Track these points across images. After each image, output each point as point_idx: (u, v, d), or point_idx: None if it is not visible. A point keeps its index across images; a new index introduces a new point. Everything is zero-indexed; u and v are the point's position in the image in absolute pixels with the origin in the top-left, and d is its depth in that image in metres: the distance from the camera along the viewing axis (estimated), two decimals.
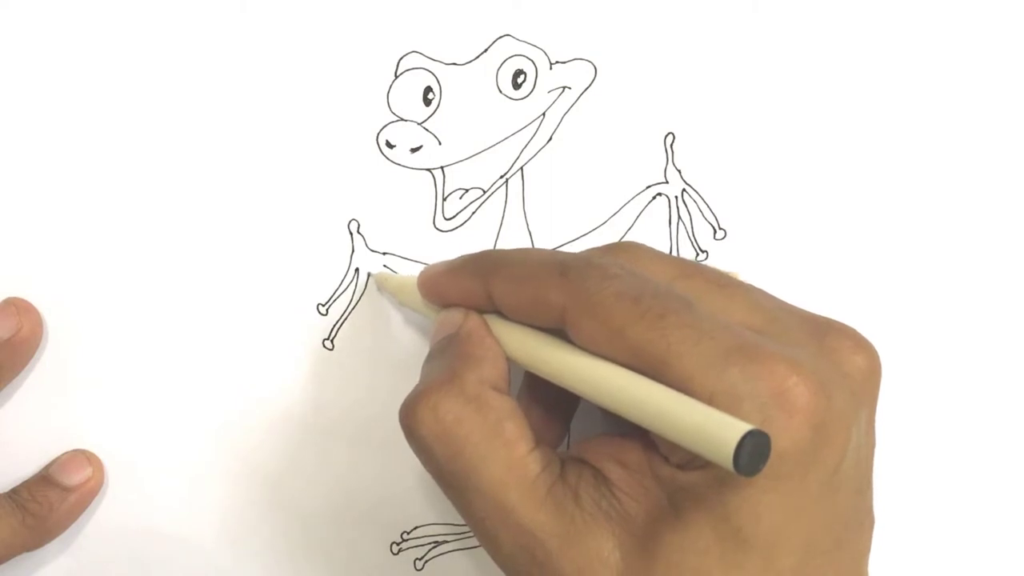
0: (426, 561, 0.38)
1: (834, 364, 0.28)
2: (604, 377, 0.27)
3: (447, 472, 0.28)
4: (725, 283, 0.29)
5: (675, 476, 0.27)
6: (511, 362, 0.30)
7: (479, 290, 0.30)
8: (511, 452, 0.28)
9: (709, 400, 0.25)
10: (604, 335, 0.27)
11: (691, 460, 0.26)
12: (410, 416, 0.29)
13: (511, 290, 0.29)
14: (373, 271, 0.35)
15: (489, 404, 0.28)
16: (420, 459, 0.29)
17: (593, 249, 0.31)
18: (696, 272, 0.30)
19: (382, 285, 0.35)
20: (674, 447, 0.27)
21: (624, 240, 0.36)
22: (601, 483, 0.28)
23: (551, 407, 0.33)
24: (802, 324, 0.29)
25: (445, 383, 0.29)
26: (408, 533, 0.37)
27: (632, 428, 0.28)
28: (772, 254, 0.38)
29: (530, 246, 0.36)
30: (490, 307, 0.31)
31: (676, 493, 0.27)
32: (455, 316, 0.31)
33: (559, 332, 0.29)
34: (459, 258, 0.32)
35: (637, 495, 0.27)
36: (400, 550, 0.37)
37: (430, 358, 0.31)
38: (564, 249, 0.36)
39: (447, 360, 0.30)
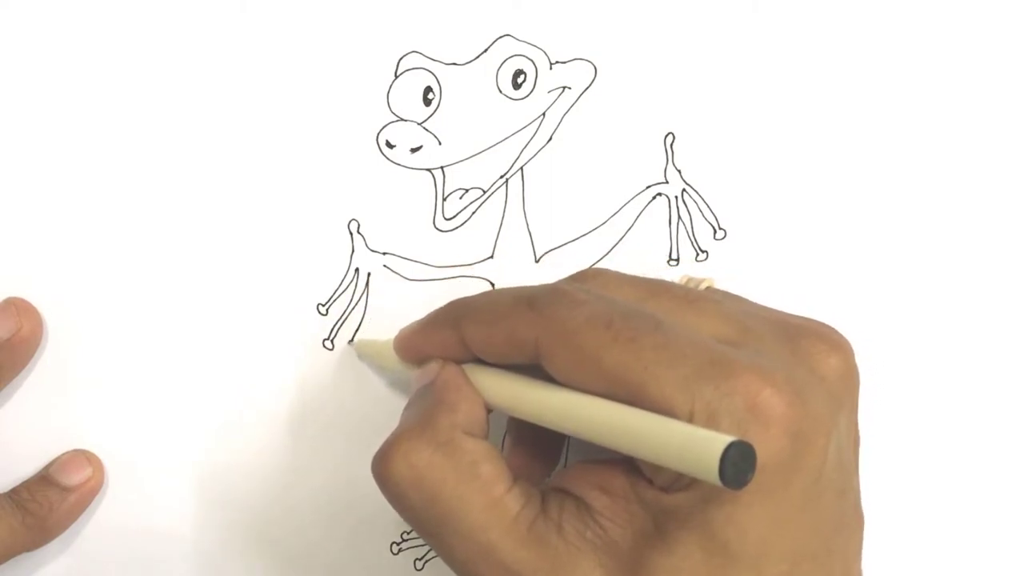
0: (426, 561, 0.38)
1: (809, 368, 0.28)
2: (583, 411, 0.27)
3: (424, 519, 0.28)
4: (693, 298, 0.29)
5: (660, 499, 0.27)
6: (493, 408, 0.30)
7: (453, 339, 0.31)
8: (488, 493, 0.28)
9: (688, 419, 0.25)
10: (578, 363, 0.27)
11: (675, 481, 0.26)
12: (382, 465, 0.29)
13: (483, 332, 0.30)
14: (375, 271, 0.35)
15: (462, 448, 0.28)
16: (396, 508, 0.29)
17: (559, 280, 0.31)
18: (663, 291, 0.30)
19: (361, 354, 0.35)
20: (658, 470, 0.27)
21: (589, 267, 0.36)
22: (584, 512, 0.28)
23: (539, 441, 0.33)
24: (774, 330, 0.29)
25: (416, 429, 0.29)
26: (408, 533, 0.37)
27: (613, 454, 0.28)
28: (772, 254, 0.38)
29: (500, 288, 0.36)
30: (467, 356, 0.31)
31: (661, 516, 0.27)
32: (432, 367, 0.31)
33: (538, 371, 0.29)
34: (429, 314, 0.32)
35: (622, 521, 0.27)
36: (400, 550, 0.37)
37: (405, 409, 0.31)
38: (564, 249, 0.36)
39: (420, 408, 0.30)
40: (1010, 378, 0.40)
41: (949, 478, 0.40)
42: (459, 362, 0.31)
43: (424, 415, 0.29)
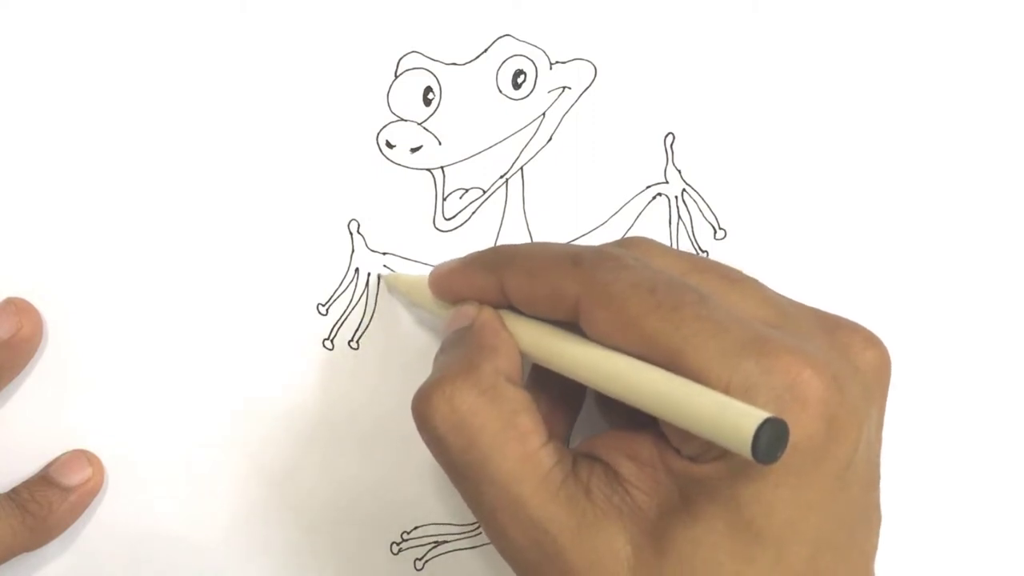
0: (426, 561, 0.38)
1: (846, 359, 0.28)
2: (620, 368, 0.27)
3: (460, 463, 0.28)
4: (737, 278, 0.29)
5: (688, 469, 0.27)
6: (524, 357, 0.30)
7: (492, 285, 0.30)
8: (525, 445, 0.28)
9: (724, 391, 0.25)
10: (618, 325, 0.27)
11: (704, 452, 0.26)
12: (424, 405, 0.29)
13: (524, 283, 0.30)
14: (374, 270, 0.35)
15: (504, 395, 0.28)
16: (432, 450, 0.29)
17: (604, 243, 0.31)
18: (708, 267, 0.30)
19: (392, 286, 0.35)
20: (687, 439, 0.27)
21: (635, 235, 0.36)
22: (612, 478, 0.28)
23: (557, 403, 0.33)
24: (813, 319, 0.29)
25: (461, 373, 0.29)
26: (408, 533, 0.37)
27: (643, 423, 0.28)
28: (772, 254, 0.38)
29: (544, 241, 0.36)
30: (503, 302, 0.31)
31: (688, 486, 0.27)
32: (469, 309, 0.31)
33: (571, 327, 0.29)
34: (471, 254, 0.32)
35: (649, 489, 0.28)
36: (400, 550, 0.37)
37: (443, 350, 0.31)
38: None
39: (462, 351, 0.30)
40: (1010, 378, 0.40)
41: (950, 479, 0.40)
42: (493, 307, 0.31)
43: (467, 358, 0.29)
